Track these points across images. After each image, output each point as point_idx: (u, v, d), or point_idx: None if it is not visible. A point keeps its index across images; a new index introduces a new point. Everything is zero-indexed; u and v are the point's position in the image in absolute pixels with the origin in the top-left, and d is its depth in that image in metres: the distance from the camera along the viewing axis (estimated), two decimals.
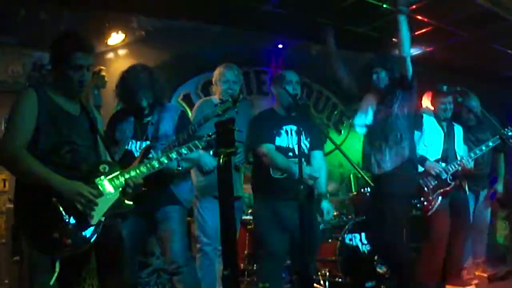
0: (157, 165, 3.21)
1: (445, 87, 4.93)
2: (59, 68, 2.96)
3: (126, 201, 3.03)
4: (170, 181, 3.74)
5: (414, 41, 7.22)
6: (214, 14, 6.20)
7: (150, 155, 3.43)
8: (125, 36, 5.97)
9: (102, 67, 5.70)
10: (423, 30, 6.82)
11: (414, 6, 5.99)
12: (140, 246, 4.10)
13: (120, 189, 3.01)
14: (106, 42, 5.92)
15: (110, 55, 6.10)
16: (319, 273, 5.31)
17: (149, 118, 3.82)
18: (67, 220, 2.78)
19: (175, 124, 3.83)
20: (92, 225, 2.85)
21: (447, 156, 4.91)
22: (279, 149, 4.05)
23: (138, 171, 3.11)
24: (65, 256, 2.79)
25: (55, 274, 2.75)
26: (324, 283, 5.26)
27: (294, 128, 4.09)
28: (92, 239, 2.85)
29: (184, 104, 6.75)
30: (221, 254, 4.60)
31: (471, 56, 7.62)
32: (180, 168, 3.69)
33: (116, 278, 3.06)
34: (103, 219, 2.90)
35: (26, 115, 2.84)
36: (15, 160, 2.78)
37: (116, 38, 5.95)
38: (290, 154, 4.04)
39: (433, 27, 6.71)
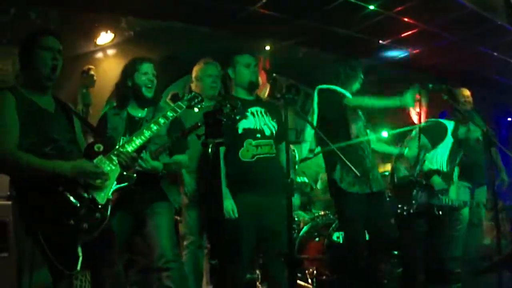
0: (148, 133, 3.27)
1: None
2: (29, 57, 2.98)
3: (129, 174, 3.11)
4: (159, 180, 3.74)
5: (401, 43, 7.39)
6: (202, 15, 6.24)
7: (142, 154, 3.45)
8: (114, 36, 5.99)
9: (91, 66, 5.73)
10: (410, 32, 6.90)
11: (399, 8, 6.10)
12: (127, 244, 4.10)
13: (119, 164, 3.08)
14: (95, 42, 5.93)
15: (99, 54, 6.12)
16: (306, 271, 5.32)
17: (143, 115, 3.84)
18: (78, 206, 2.83)
19: (168, 125, 3.84)
20: (102, 205, 2.93)
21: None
22: (247, 131, 3.90)
23: (132, 143, 3.19)
24: (84, 240, 2.83)
25: (80, 259, 2.79)
26: (312, 281, 5.28)
27: (261, 109, 3.98)
28: (106, 218, 2.93)
29: (172, 104, 6.75)
30: (208, 252, 4.65)
31: (457, 59, 7.69)
32: (163, 171, 3.71)
33: (109, 270, 3.08)
34: (110, 196, 2.99)
35: (9, 116, 2.85)
36: (13, 160, 2.79)
37: (105, 37, 5.96)
38: (259, 135, 3.91)
39: (420, 29, 6.79)
